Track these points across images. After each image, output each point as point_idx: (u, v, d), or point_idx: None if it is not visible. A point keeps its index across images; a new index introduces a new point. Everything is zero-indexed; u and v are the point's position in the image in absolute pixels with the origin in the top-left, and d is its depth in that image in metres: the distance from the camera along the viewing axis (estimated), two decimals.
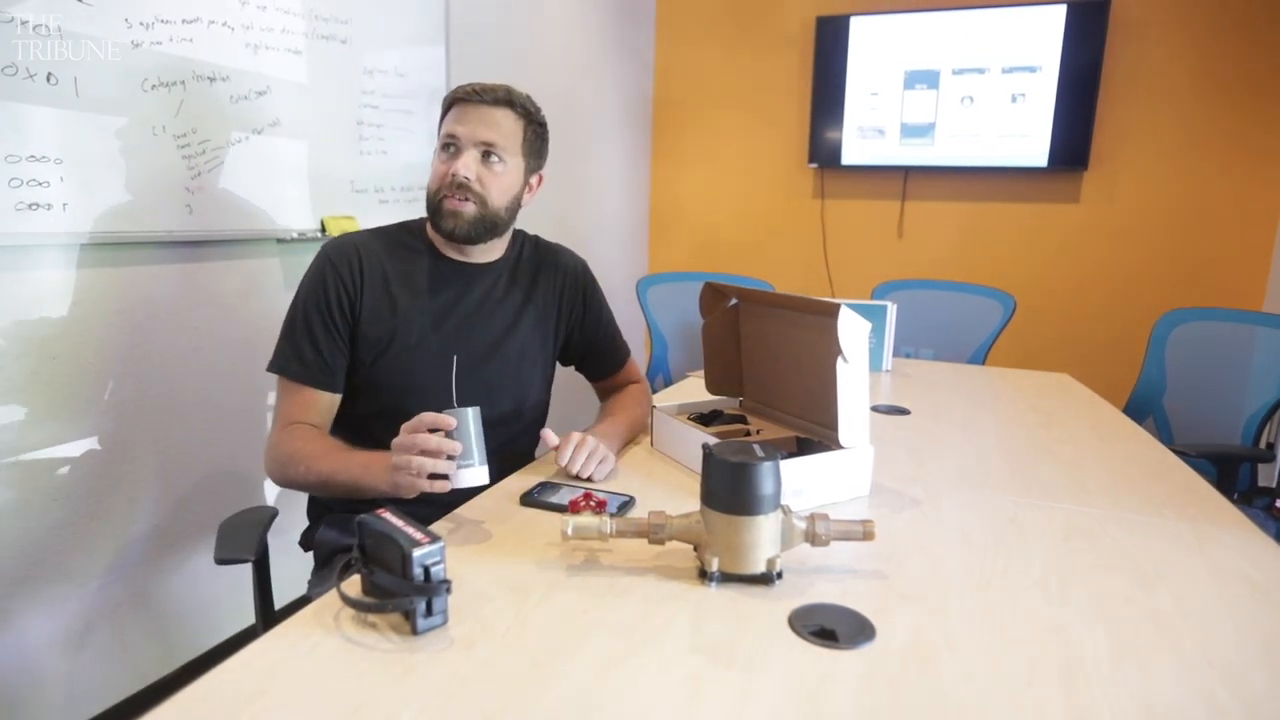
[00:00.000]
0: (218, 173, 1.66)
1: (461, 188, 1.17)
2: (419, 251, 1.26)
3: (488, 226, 1.21)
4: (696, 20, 3.64)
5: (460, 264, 1.27)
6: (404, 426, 0.95)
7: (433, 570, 0.72)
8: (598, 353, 1.44)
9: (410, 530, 0.74)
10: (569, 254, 1.42)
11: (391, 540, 0.74)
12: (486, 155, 1.18)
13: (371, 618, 0.75)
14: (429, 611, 0.73)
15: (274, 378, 1.19)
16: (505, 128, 1.19)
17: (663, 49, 3.72)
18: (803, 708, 0.63)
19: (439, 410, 0.93)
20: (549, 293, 1.35)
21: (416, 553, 0.71)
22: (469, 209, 1.18)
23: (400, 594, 0.72)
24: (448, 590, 0.73)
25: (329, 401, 1.20)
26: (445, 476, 0.92)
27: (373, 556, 0.77)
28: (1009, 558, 0.93)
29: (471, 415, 0.93)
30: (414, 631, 0.72)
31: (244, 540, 1.12)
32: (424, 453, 0.92)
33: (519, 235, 1.35)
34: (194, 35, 1.58)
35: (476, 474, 0.94)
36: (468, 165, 1.17)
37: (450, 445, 0.91)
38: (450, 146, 1.19)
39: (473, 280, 1.28)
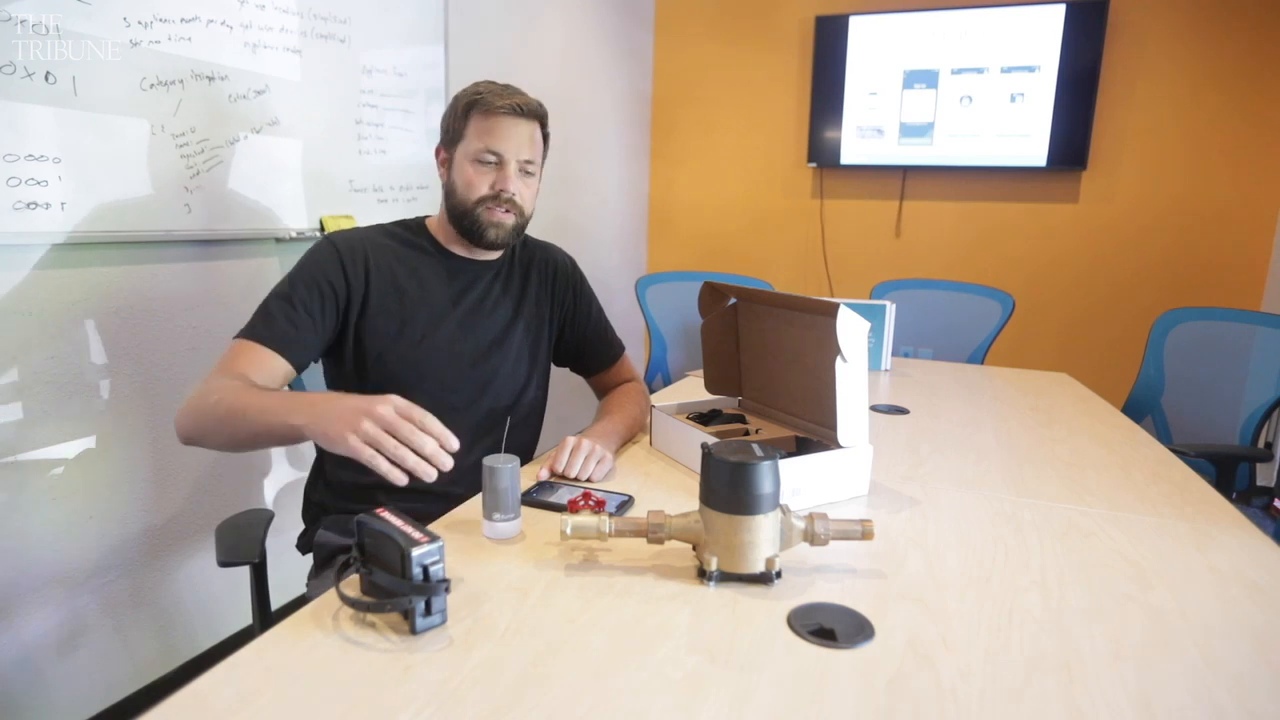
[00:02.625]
0: (216, 172, 1.66)
1: (507, 201, 1.22)
2: (424, 249, 1.28)
3: (520, 233, 1.29)
4: (696, 20, 3.64)
5: (464, 260, 1.30)
6: (403, 405, 0.85)
7: (431, 570, 0.72)
8: (591, 347, 1.45)
9: (409, 530, 0.74)
10: (557, 250, 1.44)
11: (390, 540, 0.74)
12: (523, 169, 1.24)
13: (370, 617, 0.75)
14: (428, 611, 0.73)
15: None
16: (537, 141, 1.25)
17: (662, 49, 3.72)
18: (801, 707, 0.63)
19: (477, 460, 0.93)
20: (542, 289, 1.37)
21: (415, 552, 0.71)
22: (511, 220, 1.24)
23: (399, 593, 0.72)
24: (446, 590, 0.73)
25: (282, 370, 1.12)
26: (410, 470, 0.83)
27: (372, 556, 0.77)
28: (1007, 557, 0.93)
29: (514, 468, 0.93)
30: (413, 631, 0.72)
31: (244, 543, 1.11)
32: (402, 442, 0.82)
33: None
34: (192, 34, 1.58)
35: (514, 526, 0.95)
36: (515, 182, 1.22)
37: (448, 445, 0.85)
38: (491, 159, 1.21)
39: (475, 277, 1.30)
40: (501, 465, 0.92)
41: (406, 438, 0.83)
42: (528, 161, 1.23)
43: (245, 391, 0.99)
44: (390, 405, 0.84)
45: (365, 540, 0.77)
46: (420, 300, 1.24)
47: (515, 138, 1.20)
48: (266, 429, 0.94)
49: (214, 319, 1.73)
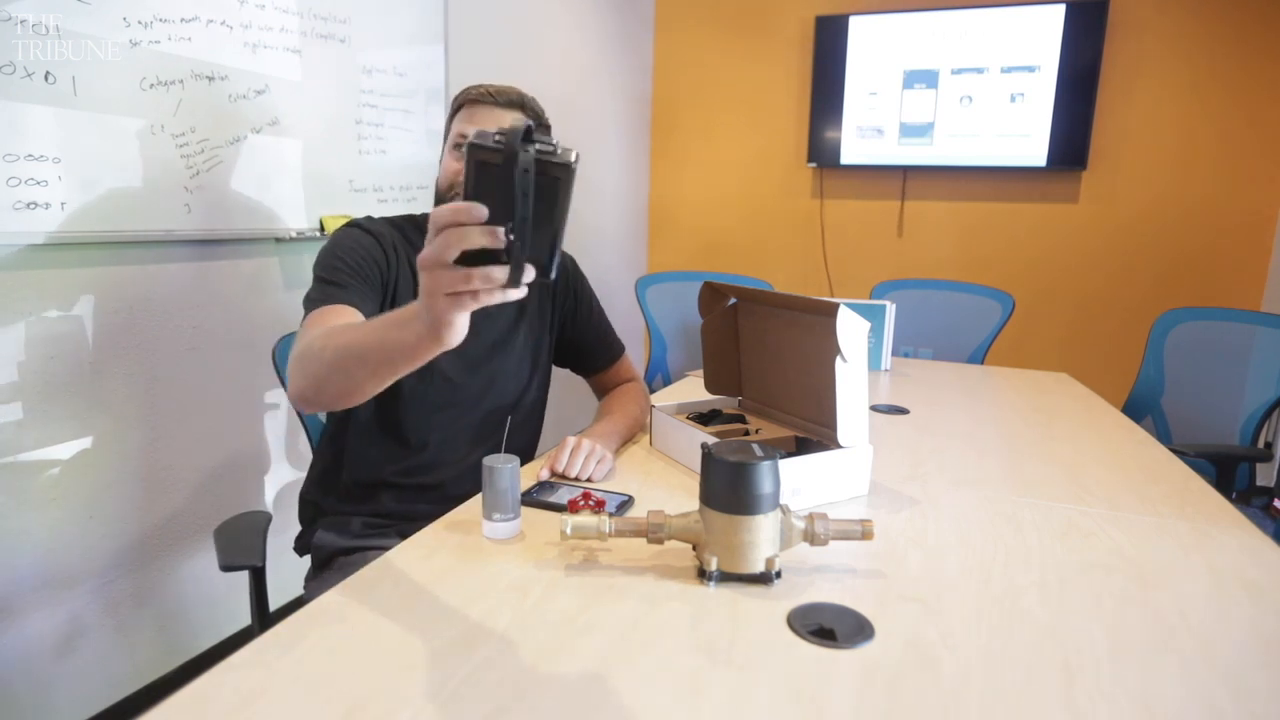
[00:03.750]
0: (216, 172, 1.66)
1: None
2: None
3: None
4: (696, 20, 3.64)
5: None
6: (435, 216, 0.65)
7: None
8: (590, 348, 1.45)
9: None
10: None
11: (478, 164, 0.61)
12: None
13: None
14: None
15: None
16: None
17: (662, 49, 3.72)
18: (801, 707, 0.63)
19: (478, 459, 0.91)
20: (542, 289, 1.37)
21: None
22: None
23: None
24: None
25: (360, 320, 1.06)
26: (493, 261, 0.64)
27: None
28: (1007, 557, 0.93)
29: (513, 468, 0.93)
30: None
31: (245, 546, 1.11)
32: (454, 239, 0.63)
33: None
34: (192, 34, 1.58)
35: (514, 526, 0.95)
36: None
37: (479, 218, 0.63)
38: (462, 147, 1.19)
39: None
40: (501, 465, 0.92)
41: (464, 242, 0.64)
42: None
43: (349, 330, 0.89)
44: (427, 261, 0.66)
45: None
46: None
47: (486, 123, 1.18)
48: (387, 353, 0.80)
49: (214, 319, 1.73)
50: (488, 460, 0.93)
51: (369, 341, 0.82)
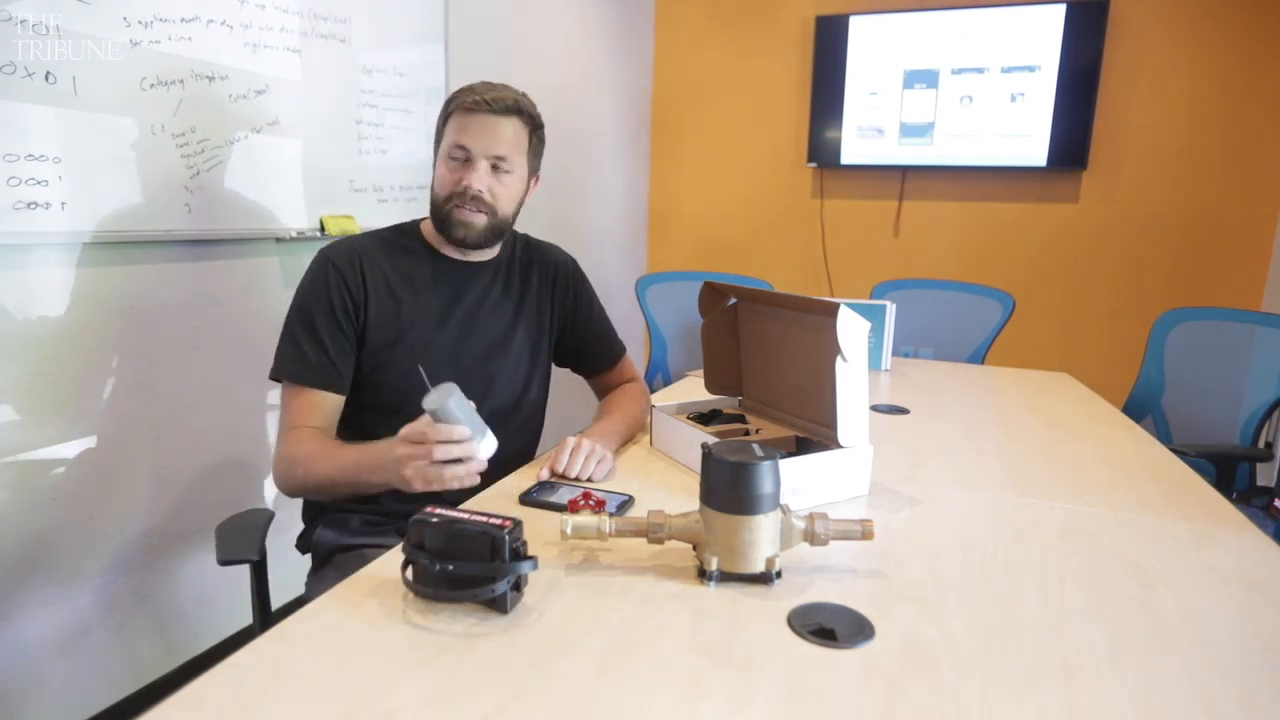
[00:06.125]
0: (216, 172, 1.66)
1: (475, 199, 1.19)
2: (418, 253, 1.27)
3: (497, 233, 1.25)
4: (696, 19, 3.64)
5: (459, 263, 1.28)
6: (405, 433, 0.94)
7: (519, 549, 0.78)
8: (591, 347, 1.45)
9: (483, 517, 0.78)
10: (559, 251, 1.43)
11: (468, 532, 0.76)
12: (495, 166, 1.20)
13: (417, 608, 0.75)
14: (517, 588, 0.77)
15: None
16: (514, 138, 1.20)
17: (662, 48, 3.72)
18: (802, 707, 0.63)
19: (417, 402, 0.92)
20: (543, 290, 1.36)
21: (507, 535, 0.76)
22: (481, 219, 1.21)
23: (483, 580, 0.75)
24: (534, 566, 0.78)
25: (334, 403, 1.19)
26: (461, 464, 0.93)
27: (442, 551, 0.77)
28: (1008, 557, 0.93)
29: (454, 392, 0.90)
30: (505, 611, 0.76)
31: (244, 541, 1.12)
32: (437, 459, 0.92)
33: (511, 234, 1.36)
34: (193, 34, 1.58)
35: (488, 444, 0.94)
36: (481, 179, 1.18)
37: (462, 438, 0.92)
38: (460, 155, 1.19)
39: (472, 279, 1.29)
40: (442, 402, 0.89)
41: (441, 456, 0.92)
42: (500, 158, 1.18)
43: (321, 459, 1.09)
44: (401, 444, 0.95)
45: (430, 538, 0.77)
46: (415, 308, 1.23)
47: (485, 134, 1.17)
48: (361, 488, 1.07)
49: (214, 319, 1.73)
50: (427, 404, 0.90)
51: (344, 479, 1.07)
